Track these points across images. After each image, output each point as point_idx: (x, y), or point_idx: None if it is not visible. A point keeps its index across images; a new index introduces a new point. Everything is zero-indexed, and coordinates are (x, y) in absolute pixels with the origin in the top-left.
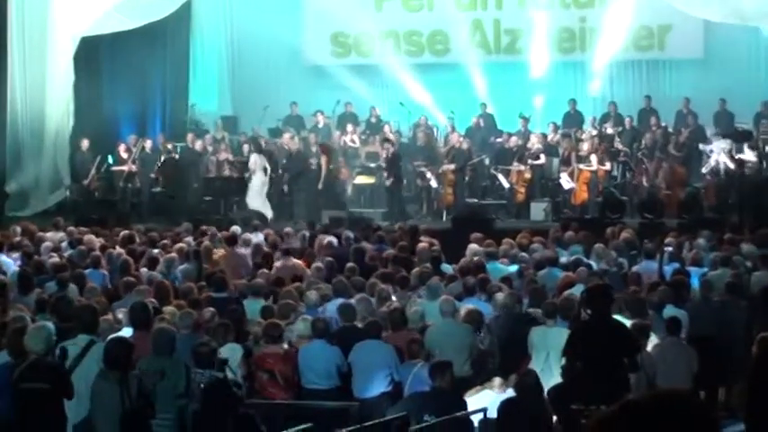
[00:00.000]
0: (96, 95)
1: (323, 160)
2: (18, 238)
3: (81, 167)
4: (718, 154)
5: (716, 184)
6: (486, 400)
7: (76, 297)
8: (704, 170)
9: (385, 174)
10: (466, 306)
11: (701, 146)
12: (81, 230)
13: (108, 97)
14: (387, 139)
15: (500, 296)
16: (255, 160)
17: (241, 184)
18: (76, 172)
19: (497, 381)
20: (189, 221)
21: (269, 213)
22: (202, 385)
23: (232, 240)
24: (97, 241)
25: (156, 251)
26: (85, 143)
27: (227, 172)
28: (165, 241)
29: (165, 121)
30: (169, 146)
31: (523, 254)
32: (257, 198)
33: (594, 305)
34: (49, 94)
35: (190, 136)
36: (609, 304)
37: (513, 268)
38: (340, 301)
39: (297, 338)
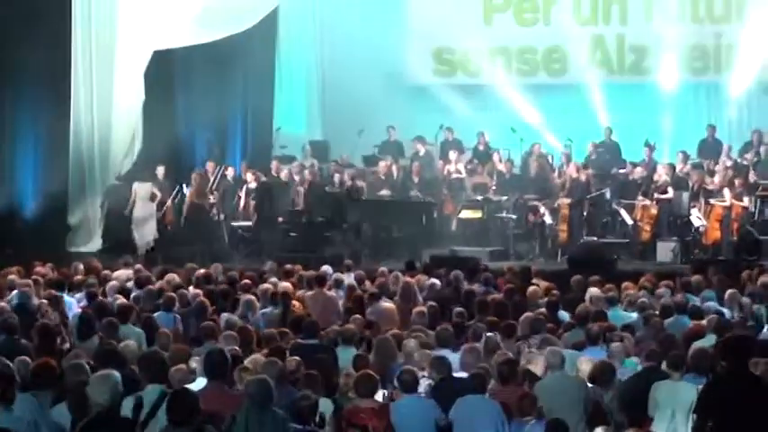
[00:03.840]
0: (169, 117)
1: (189, 192)
2: (80, 277)
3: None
4: None
5: None
6: None
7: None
8: None
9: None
10: (586, 358)
11: None
12: (162, 270)
13: (182, 119)
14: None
15: (615, 346)
16: (137, 188)
17: (335, 219)
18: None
19: None
20: (274, 260)
21: (147, 244)
22: None
23: (321, 281)
24: (176, 280)
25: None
26: (161, 170)
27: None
28: (246, 281)
29: (247, 146)
30: (249, 174)
31: (644, 299)
32: (142, 230)
33: (731, 358)
34: (116, 115)
35: (275, 163)
36: (748, 358)
37: (636, 315)
38: (444, 351)
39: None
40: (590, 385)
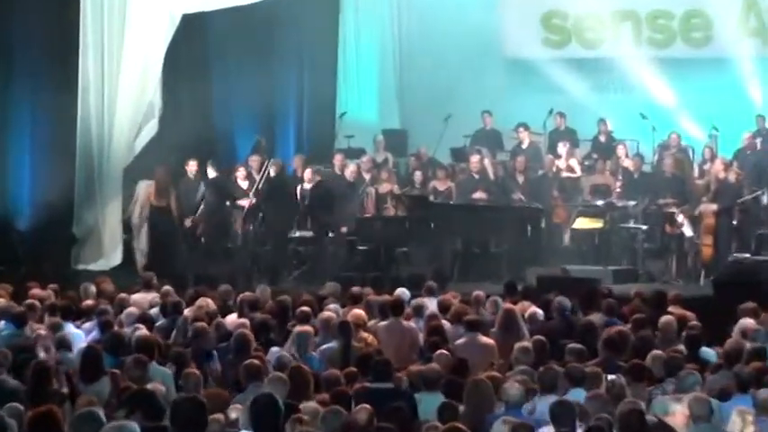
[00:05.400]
0: (203, 99)
1: (148, 191)
2: (91, 302)
3: (185, 200)
4: None
5: None
6: None
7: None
8: None
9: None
10: (739, 408)
11: None
12: (194, 293)
13: (220, 102)
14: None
15: (763, 393)
16: (141, 188)
17: (413, 226)
18: (178, 207)
19: None
20: (335, 281)
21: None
22: None
23: (397, 308)
24: (211, 307)
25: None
26: (192, 166)
27: (390, 210)
28: (303, 308)
29: (303, 136)
30: (307, 171)
31: None
32: (139, 238)
33: None
34: (125, 97)
35: (338, 157)
36: None
37: None
38: (552, 398)
39: None
40: None
